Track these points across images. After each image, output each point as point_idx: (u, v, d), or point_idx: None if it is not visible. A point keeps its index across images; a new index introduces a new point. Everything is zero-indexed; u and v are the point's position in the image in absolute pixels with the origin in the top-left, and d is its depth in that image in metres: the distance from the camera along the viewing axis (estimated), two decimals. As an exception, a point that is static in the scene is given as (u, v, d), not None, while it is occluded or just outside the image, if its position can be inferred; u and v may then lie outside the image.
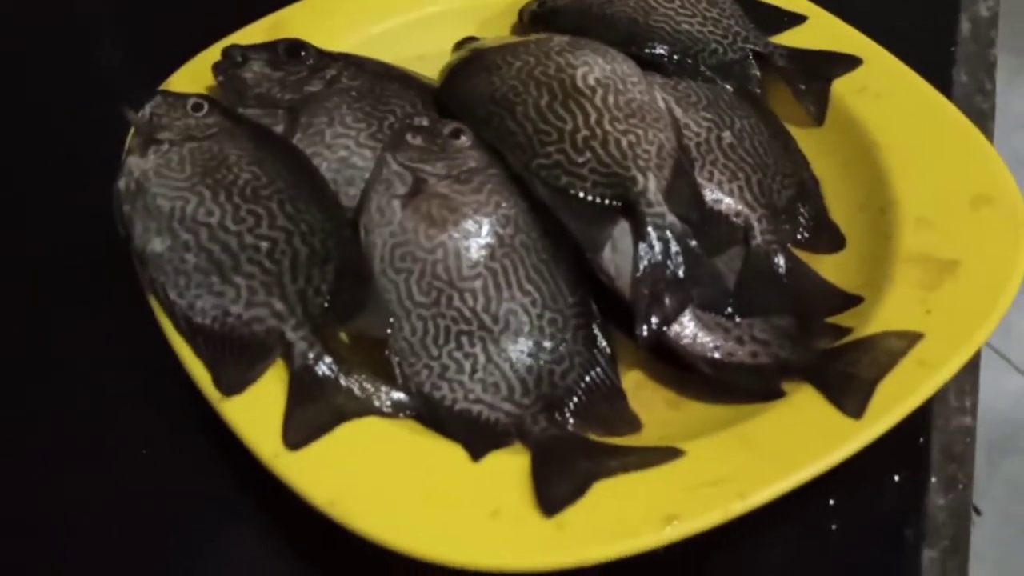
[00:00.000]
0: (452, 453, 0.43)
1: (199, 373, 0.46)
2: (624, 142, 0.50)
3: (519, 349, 0.47)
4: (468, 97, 0.54)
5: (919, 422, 0.47)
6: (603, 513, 0.41)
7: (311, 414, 0.44)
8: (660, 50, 0.58)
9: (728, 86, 0.57)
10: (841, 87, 0.57)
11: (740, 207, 0.52)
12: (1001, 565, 1.15)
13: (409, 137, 0.51)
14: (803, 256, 0.51)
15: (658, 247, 0.47)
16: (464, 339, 0.47)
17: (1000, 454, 1.24)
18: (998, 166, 0.51)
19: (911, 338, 0.45)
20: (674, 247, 0.47)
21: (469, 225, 0.49)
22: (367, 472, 0.43)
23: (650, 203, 0.48)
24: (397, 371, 0.46)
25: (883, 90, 0.56)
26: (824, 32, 0.60)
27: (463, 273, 0.48)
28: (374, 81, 0.56)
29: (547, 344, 0.47)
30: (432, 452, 0.44)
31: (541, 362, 0.47)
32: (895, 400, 0.43)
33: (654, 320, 0.46)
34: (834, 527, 0.44)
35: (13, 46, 0.72)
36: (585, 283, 0.49)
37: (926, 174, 0.51)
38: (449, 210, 0.49)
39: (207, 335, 0.47)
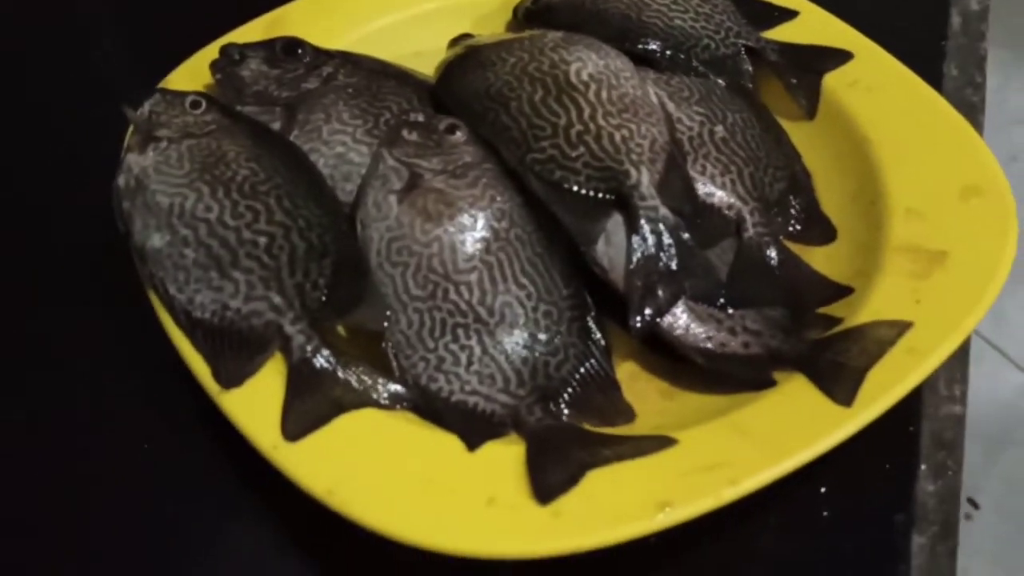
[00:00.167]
0: (448, 443, 0.44)
1: (199, 367, 0.46)
2: (617, 136, 0.50)
3: (514, 341, 0.47)
4: (463, 93, 0.54)
5: (910, 410, 0.47)
6: (597, 500, 0.41)
7: (309, 406, 0.45)
8: (653, 45, 0.58)
9: (721, 81, 0.58)
10: (832, 81, 0.57)
11: (732, 200, 0.52)
12: (998, 559, 1.15)
13: (405, 133, 0.52)
14: (795, 248, 0.52)
15: (651, 240, 0.48)
16: (460, 331, 0.47)
17: (997, 449, 1.24)
18: (987, 158, 0.52)
19: (901, 327, 0.45)
20: (667, 239, 0.48)
21: (464, 219, 0.49)
22: (365, 462, 0.43)
23: (643, 196, 0.49)
24: (394, 363, 0.47)
25: (874, 84, 0.56)
26: (815, 27, 0.60)
27: (459, 266, 0.48)
28: (370, 78, 0.57)
29: (542, 336, 0.48)
30: (429, 442, 0.44)
31: (536, 354, 0.47)
32: (885, 388, 0.43)
33: (647, 311, 0.47)
34: (825, 513, 0.45)
35: (13, 46, 0.72)
36: (579, 276, 0.49)
37: (916, 166, 0.52)
38: (445, 204, 0.49)
39: (206, 329, 0.47)
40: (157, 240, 0.49)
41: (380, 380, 0.46)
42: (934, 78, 0.60)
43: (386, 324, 0.47)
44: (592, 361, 0.48)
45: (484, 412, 0.46)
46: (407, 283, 0.48)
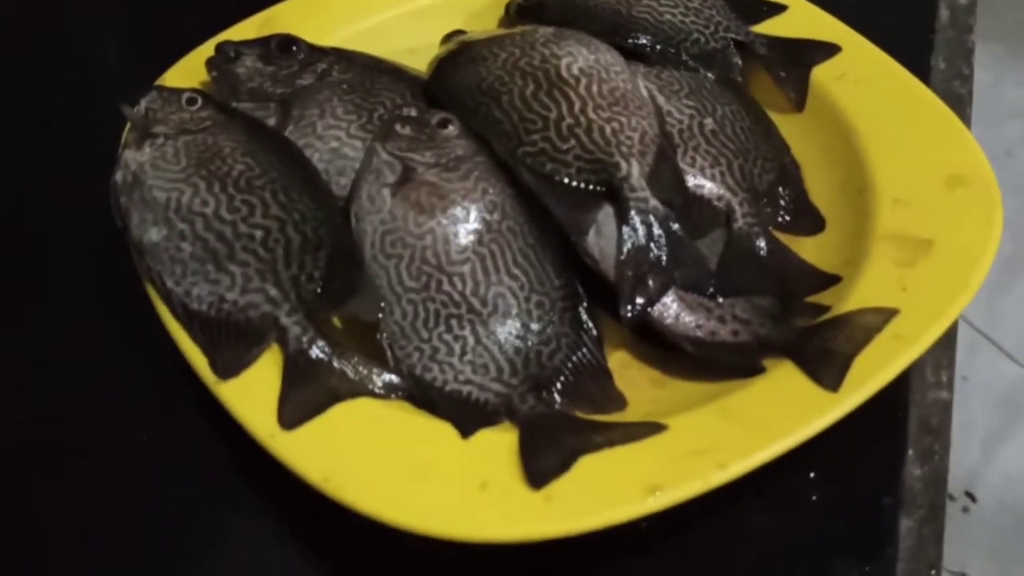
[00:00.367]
0: (442, 431, 0.45)
1: (196, 358, 0.47)
2: (608, 129, 0.51)
3: (507, 331, 0.48)
4: (456, 88, 0.55)
5: (897, 396, 0.48)
6: (589, 485, 0.42)
7: (305, 396, 0.45)
8: (643, 40, 0.59)
9: (710, 74, 0.58)
10: (821, 74, 0.58)
11: (722, 191, 0.53)
12: (996, 553, 1.16)
13: (398, 127, 0.52)
14: (784, 238, 0.53)
15: (641, 230, 0.49)
16: (454, 322, 0.48)
17: (995, 442, 1.24)
18: (973, 148, 0.52)
19: (887, 314, 0.46)
20: (657, 230, 0.49)
21: (457, 211, 0.50)
22: (360, 450, 0.44)
23: (633, 188, 0.49)
24: (389, 354, 0.48)
25: (861, 76, 0.57)
26: (804, 21, 0.61)
27: (452, 258, 0.49)
28: (364, 74, 0.57)
29: (534, 326, 0.48)
30: (423, 430, 0.45)
31: (529, 343, 0.48)
32: (871, 373, 0.44)
33: (638, 301, 0.47)
34: (815, 498, 0.46)
35: (12, 45, 0.73)
36: (571, 266, 0.50)
37: (903, 156, 0.52)
38: (437, 197, 0.50)
39: (203, 321, 0.48)
40: (154, 234, 0.50)
41: (375, 370, 0.47)
42: (922, 71, 0.61)
43: (381, 315, 0.48)
44: (584, 350, 0.48)
45: (478, 401, 0.47)
46: (401, 275, 0.49)
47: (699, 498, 0.42)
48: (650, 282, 0.48)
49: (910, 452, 0.47)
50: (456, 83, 0.55)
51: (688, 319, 0.49)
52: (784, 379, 0.45)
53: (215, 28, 0.62)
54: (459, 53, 0.56)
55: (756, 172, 0.54)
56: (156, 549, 0.47)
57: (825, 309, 0.48)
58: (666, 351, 0.49)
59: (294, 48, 0.58)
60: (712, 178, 0.53)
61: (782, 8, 0.62)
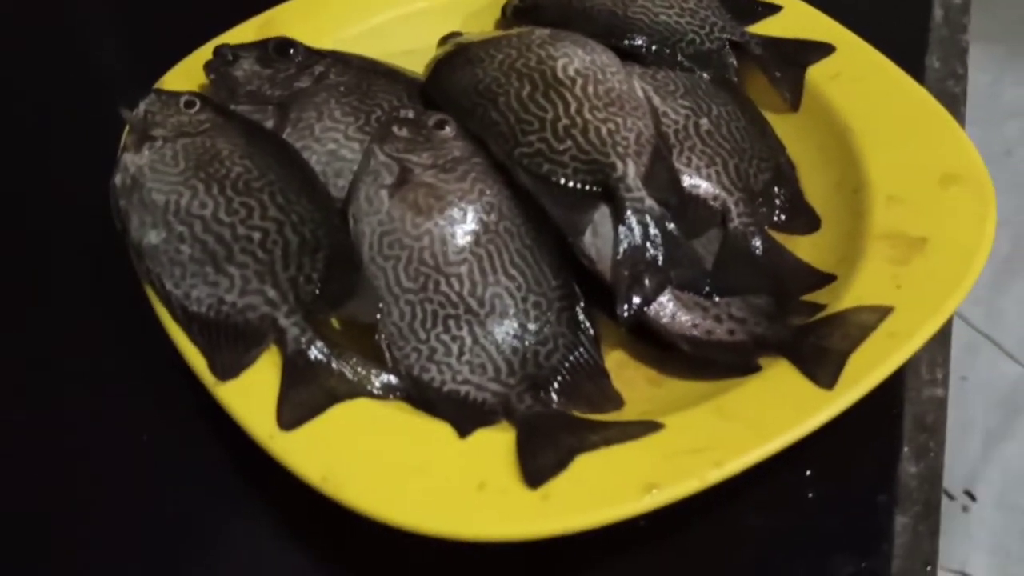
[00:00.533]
0: (440, 430, 0.45)
1: (195, 360, 0.47)
2: (604, 130, 0.51)
3: (504, 331, 0.48)
4: (453, 89, 0.55)
5: (893, 394, 0.49)
6: (586, 484, 0.42)
7: (304, 396, 0.45)
8: (639, 41, 0.59)
9: (706, 75, 0.59)
10: (815, 73, 0.58)
11: (718, 191, 0.53)
12: (996, 551, 1.16)
13: (395, 129, 0.53)
14: (780, 237, 0.53)
15: (637, 230, 0.49)
16: (451, 322, 0.48)
17: (995, 441, 1.24)
18: (967, 146, 0.53)
19: (882, 312, 0.46)
20: (653, 230, 0.49)
21: (454, 212, 0.50)
22: (358, 450, 0.44)
23: (629, 188, 0.50)
24: (387, 354, 0.48)
25: (856, 76, 0.57)
26: (799, 21, 0.61)
27: (449, 259, 0.49)
28: (361, 76, 0.58)
29: (532, 326, 0.49)
30: (421, 430, 0.45)
31: (526, 343, 0.48)
32: (866, 371, 0.44)
33: (634, 301, 0.48)
34: (811, 495, 0.46)
35: (12, 47, 0.73)
36: (568, 267, 0.50)
37: (897, 155, 0.53)
38: (435, 198, 0.50)
39: (203, 323, 0.48)
40: (153, 237, 0.50)
41: (373, 371, 0.47)
42: (916, 70, 0.61)
43: (379, 316, 0.48)
44: (581, 350, 0.49)
45: (475, 401, 0.47)
46: (399, 276, 0.49)
47: (696, 496, 0.42)
48: (646, 282, 0.48)
49: (905, 449, 0.47)
50: (453, 85, 0.55)
51: (684, 318, 0.49)
52: (780, 377, 0.45)
53: (214, 31, 0.62)
54: (456, 55, 0.57)
55: (752, 172, 0.55)
56: (156, 549, 0.47)
57: (820, 307, 0.48)
58: (662, 350, 0.49)
59: (291, 51, 0.58)
60: (708, 178, 0.54)
61: (777, 8, 0.62)
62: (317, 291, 0.48)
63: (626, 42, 0.59)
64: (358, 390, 0.46)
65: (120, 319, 0.54)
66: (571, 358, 0.48)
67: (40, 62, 0.72)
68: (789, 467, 0.46)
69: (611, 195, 0.49)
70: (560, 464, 0.43)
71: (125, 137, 0.53)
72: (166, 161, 0.52)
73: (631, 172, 0.50)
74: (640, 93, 0.54)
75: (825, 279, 0.50)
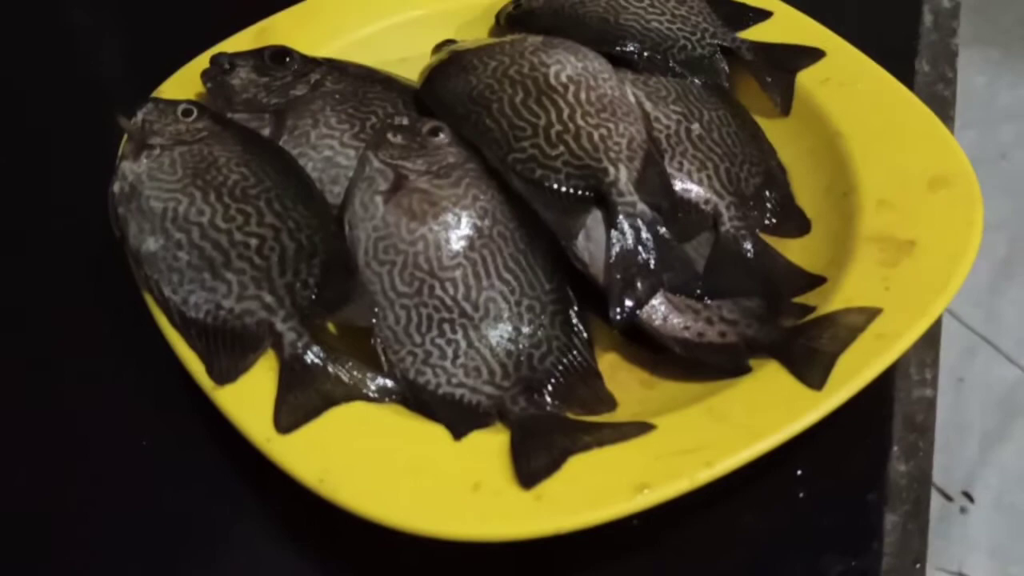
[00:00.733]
0: (435, 433, 0.45)
1: (193, 365, 0.48)
2: (596, 135, 0.52)
3: (499, 335, 0.49)
4: (447, 96, 0.56)
5: (882, 394, 0.49)
6: (578, 484, 0.43)
7: (301, 400, 0.46)
8: (631, 47, 0.60)
9: (697, 80, 0.59)
10: (806, 78, 0.59)
11: (709, 195, 0.54)
12: (995, 553, 1.16)
13: (390, 135, 0.53)
14: (771, 240, 0.54)
15: (630, 234, 0.49)
16: (446, 326, 0.49)
17: (993, 443, 1.25)
18: (955, 150, 0.53)
19: (870, 313, 0.47)
20: (645, 234, 0.49)
21: (448, 218, 0.51)
22: (354, 452, 0.45)
23: (621, 193, 0.50)
24: (383, 358, 0.48)
25: (845, 80, 0.58)
26: (789, 26, 0.62)
27: (443, 263, 0.50)
28: (357, 84, 0.58)
29: (526, 329, 0.49)
30: (416, 432, 0.46)
31: (520, 347, 0.49)
32: (854, 372, 0.45)
33: (627, 304, 0.48)
34: (801, 495, 0.46)
35: (13, 59, 0.74)
36: (561, 270, 0.51)
37: (886, 159, 0.53)
38: (429, 204, 0.51)
39: (200, 328, 0.48)
40: (152, 244, 0.50)
41: (369, 374, 0.47)
42: (906, 74, 0.62)
43: (374, 320, 0.49)
44: (575, 353, 0.49)
45: (470, 403, 0.47)
46: (394, 280, 0.50)
47: (688, 496, 0.43)
48: (639, 285, 0.49)
49: (895, 448, 0.48)
50: (447, 92, 0.56)
51: (676, 321, 0.49)
52: (770, 378, 0.46)
53: (211, 40, 0.63)
54: (450, 62, 0.57)
55: (743, 176, 0.55)
56: (155, 550, 0.47)
57: (811, 310, 0.49)
58: (655, 353, 0.50)
59: (287, 59, 0.59)
60: (699, 182, 0.54)
61: (767, 14, 0.63)
62: (313, 296, 0.49)
63: (618, 49, 0.60)
64: (354, 393, 0.47)
65: (119, 325, 0.55)
66: (565, 361, 0.49)
67: (39, 71, 0.72)
68: (780, 467, 0.46)
69: (603, 200, 0.50)
70: (553, 465, 0.43)
71: (123, 145, 0.54)
72: (164, 169, 0.52)
73: (623, 177, 0.51)
74: (632, 99, 0.55)
75: (815, 281, 0.51)
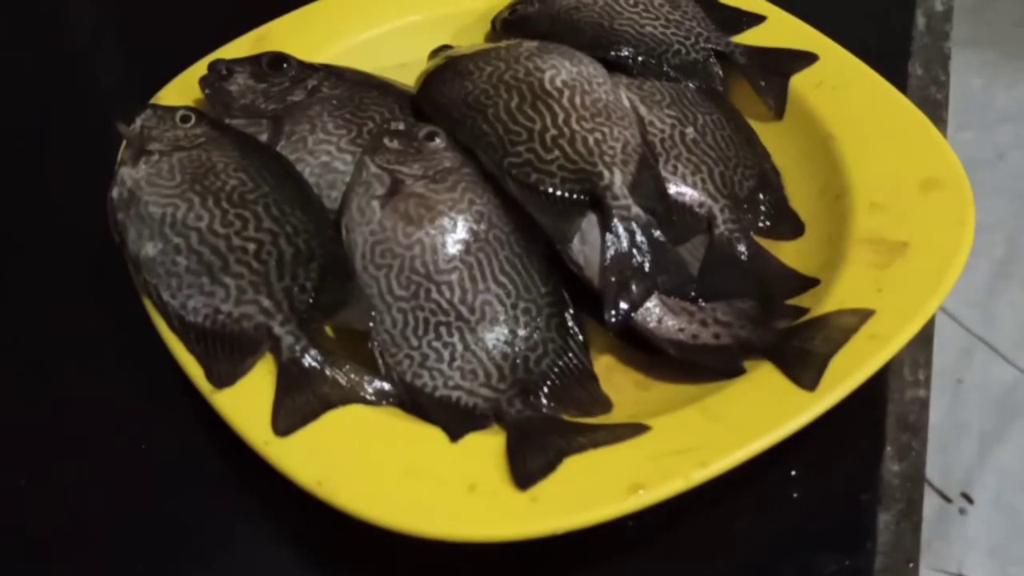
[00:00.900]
0: (432, 435, 0.46)
1: (192, 368, 0.48)
2: (591, 140, 0.52)
3: (495, 337, 0.49)
4: (443, 101, 0.56)
5: (876, 394, 0.49)
6: (573, 485, 0.43)
7: (299, 403, 0.46)
8: (625, 52, 0.60)
9: (691, 84, 0.60)
10: (799, 82, 0.59)
11: (703, 198, 0.54)
12: (993, 553, 1.16)
13: (387, 141, 0.54)
14: (765, 243, 0.54)
15: (624, 237, 0.50)
16: (443, 329, 0.49)
17: (991, 444, 1.25)
18: (947, 152, 0.54)
19: (863, 315, 0.47)
20: (639, 237, 0.50)
21: (444, 222, 0.51)
22: (352, 455, 0.45)
23: (616, 196, 0.51)
24: (380, 361, 0.49)
25: (839, 84, 0.58)
26: (782, 31, 0.62)
27: (440, 267, 0.50)
28: (353, 89, 0.58)
29: (521, 332, 0.50)
30: (413, 434, 0.46)
31: (516, 349, 0.49)
32: (847, 373, 0.45)
33: (622, 306, 0.49)
34: (795, 495, 0.47)
35: (14, 67, 0.74)
36: (557, 274, 0.51)
37: (879, 161, 0.54)
38: (425, 208, 0.51)
39: (199, 333, 0.49)
40: (150, 249, 0.51)
41: (366, 377, 0.48)
42: (899, 77, 0.62)
43: (371, 324, 0.49)
44: (570, 355, 0.50)
45: (467, 406, 0.48)
46: (391, 284, 0.50)
47: (683, 497, 0.43)
48: (633, 287, 0.49)
49: (888, 449, 0.48)
50: (443, 97, 0.56)
51: (671, 323, 0.50)
52: (763, 380, 0.46)
53: (209, 47, 0.63)
54: (446, 67, 0.58)
55: (737, 179, 0.56)
56: (155, 553, 0.48)
57: (804, 311, 0.49)
58: (650, 354, 0.50)
59: (285, 65, 0.59)
60: (693, 185, 0.55)
61: (761, 19, 0.63)
62: (311, 300, 0.49)
63: (613, 53, 0.60)
64: (351, 396, 0.47)
65: (118, 329, 0.55)
66: (560, 363, 0.49)
67: (38, 78, 0.73)
68: (774, 467, 0.46)
69: (598, 203, 0.50)
70: (549, 466, 0.44)
71: (122, 151, 0.54)
72: (162, 175, 0.53)
73: (618, 180, 0.51)
74: (627, 103, 0.55)
75: (809, 283, 0.51)
